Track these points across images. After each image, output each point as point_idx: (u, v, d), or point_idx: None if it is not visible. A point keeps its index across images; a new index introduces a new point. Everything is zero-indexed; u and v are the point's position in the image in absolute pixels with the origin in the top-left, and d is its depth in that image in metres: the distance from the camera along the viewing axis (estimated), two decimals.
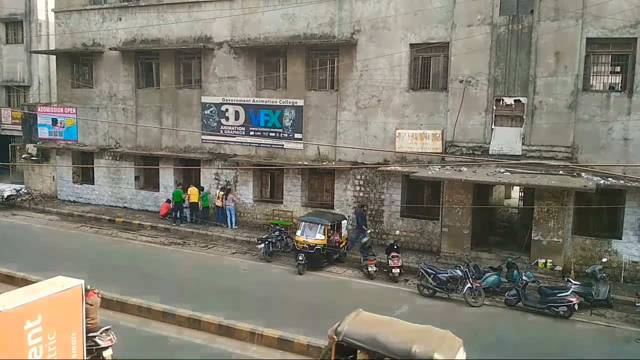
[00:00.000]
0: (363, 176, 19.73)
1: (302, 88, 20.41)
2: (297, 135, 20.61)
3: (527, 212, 18.22)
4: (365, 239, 17.29)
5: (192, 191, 21.87)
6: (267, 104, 21.07)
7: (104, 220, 22.95)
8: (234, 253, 18.88)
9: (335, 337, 8.39)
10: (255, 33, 21.04)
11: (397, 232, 18.74)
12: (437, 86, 18.68)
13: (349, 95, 19.67)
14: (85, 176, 26.42)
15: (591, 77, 16.94)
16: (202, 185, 22.44)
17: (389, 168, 18.70)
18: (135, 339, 11.79)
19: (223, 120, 21.98)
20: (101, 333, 9.99)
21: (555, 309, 13.66)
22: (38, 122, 26.50)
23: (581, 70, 16.54)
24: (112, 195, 25.14)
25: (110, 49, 24.00)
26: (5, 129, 31.10)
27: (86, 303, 8.89)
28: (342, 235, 17.84)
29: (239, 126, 21.70)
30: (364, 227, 18.85)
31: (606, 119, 16.34)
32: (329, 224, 17.18)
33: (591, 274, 14.77)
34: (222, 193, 21.63)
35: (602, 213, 16.98)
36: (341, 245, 17.66)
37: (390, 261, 16.10)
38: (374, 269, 16.28)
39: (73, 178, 26.31)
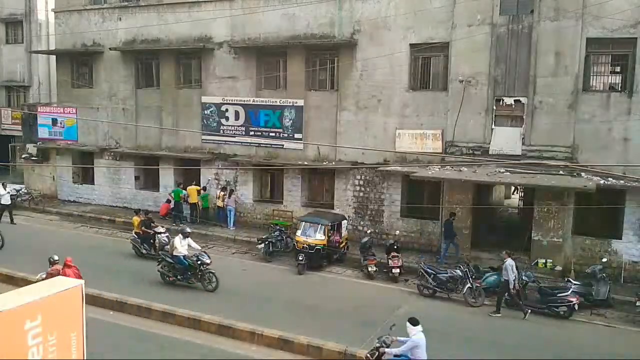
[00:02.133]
0: (363, 176, 19.72)
1: (302, 88, 20.40)
2: (297, 135, 20.61)
3: (527, 212, 18.22)
4: (365, 239, 17.29)
5: (191, 191, 21.86)
6: (267, 104, 21.07)
7: (104, 220, 22.94)
8: (234, 253, 18.88)
9: None
10: (255, 33, 21.03)
11: (397, 232, 18.73)
12: (437, 86, 18.68)
13: (349, 95, 19.66)
14: (85, 176, 26.40)
15: (591, 77, 16.93)
16: (203, 185, 22.41)
17: (389, 168, 18.69)
18: (135, 339, 11.80)
19: (223, 120, 21.97)
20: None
21: (555, 309, 13.67)
22: (38, 122, 26.49)
23: (581, 70, 16.54)
24: (112, 195, 25.13)
25: (110, 49, 23.99)
26: (5, 129, 31.12)
27: None
28: (342, 235, 17.83)
29: (239, 126, 21.70)
30: (454, 236, 17.50)
31: (606, 119, 16.34)
32: (329, 224, 17.18)
33: (591, 274, 14.77)
34: (222, 193, 21.64)
35: (602, 213, 16.96)
36: (341, 245, 17.66)
37: (390, 261, 16.10)
38: (374, 269, 16.28)
39: (73, 178, 26.30)
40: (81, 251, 16.78)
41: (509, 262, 13.72)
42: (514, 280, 13.63)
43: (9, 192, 21.77)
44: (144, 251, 17.62)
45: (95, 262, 16.18)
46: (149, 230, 17.74)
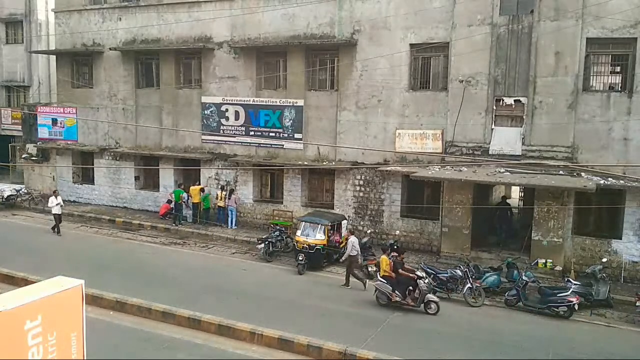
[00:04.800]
0: (363, 176, 19.72)
1: (302, 88, 20.40)
2: (297, 135, 20.61)
3: (527, 212, 18.22)
4: (365, 239, 17.30)
5: (194, 191, 21.88)
6: (267, 104, 21.06)
7: (104, 220, 22.94)
8: (234, 253, 18.87)
9: None
10: (255, 33, 21.03)
11: (397, 232, 18.73)
12: (437, 86, 18.68)
13: (349, 95, 19.66)
14: (85, 176, 26.41)
15: (591, 77, 16.93)
16: (202, 186, 22.39)
17: (389, 168, 18.70)
18: (135, 339, 11.80)
19: (223, 120, 21.97)
20: None
21: (555, 309, 13.66)
22: (38, 122, 26.50)
23: (581, 70, 16.54)
24: (112, 195, 25.13)
25: (110, 49, 23.99)
26: (5, 129, 31.09)
27: None
28: (342, 235, 17.82)
29: (239, 126, 21.70)
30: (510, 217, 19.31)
31: (606, 119, 16.34)
32: (329, 224, 17.18)
33: (591, 274, 14.77)
34: (223, 193, 21.64)
35: (602, 213, 16.99)
36: (341, 245, 17.64)
37: None
38: (374, 269, 16.26)
39: (73, 178, 26.30)
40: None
41: (352, 239, 15.57)
42: (354, 255, 15.48)
43: (59, 204, 20.13)
44: (397, 299, 13.72)
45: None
46: (409, 274, 13.83)
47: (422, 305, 13.47)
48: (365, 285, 15.17)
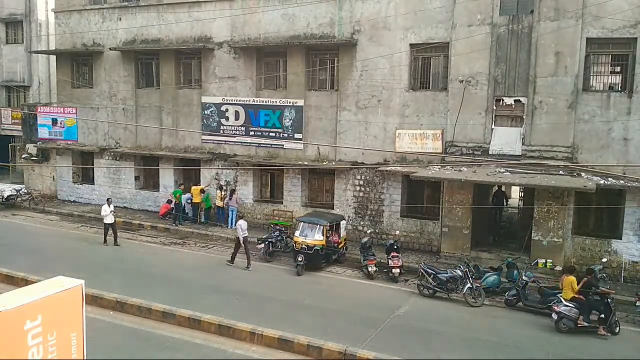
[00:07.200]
0: (363, 176, 19.73)
1: (302, 88, 20.40)
2: (297, 135, 20.61)
3: (527, 212, 18.23)
4: (365, 239, 17.30)
5: (195, 191, 21.88)
6: (267, 104, 21.07)
7: None
8: None
9: None
10: (255, 33, 21.04)
11: (397, 232, 18.74)
12: (437, 86, 18.68)
13: (349, 95, 19.66)
14: (85, 176, 26.42)
15: (591, 77, 16.93)
16: (202, 186, 22.37)
17: (389, 168, 18.70)
18: (135, 339, 11.81)
19: (223, 120, 21.98)
20: None
21: None
22: (38, 122, 26.50)
23: (581, 70, 16.54)
24: (112, 195, 25.02)
25: (110, 49, 23.99)
26: (5, 129, 31.10)
27: None
28: (341, 235, 17.82)
29: (239, 126, 21.70)
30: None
31: (606, 119, 16.34)
32: (328, 224, 17.16)
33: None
34: (222, 193, 21.65)
35: (602, 213, 16.99)
36: (340, 246, 17.64)
37: (390, 261, 16.10)
38: (374, 269, 16.27)
39: (73, 178, 26.31)
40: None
41: (240, 222, 17.04)
42: (246, 236, 16.93)
43: (112, 211, 18.97)
44: (585, 323, 12.70)
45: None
46: (609, 291, 13.15)
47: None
48: (249, 264, 16.79)
